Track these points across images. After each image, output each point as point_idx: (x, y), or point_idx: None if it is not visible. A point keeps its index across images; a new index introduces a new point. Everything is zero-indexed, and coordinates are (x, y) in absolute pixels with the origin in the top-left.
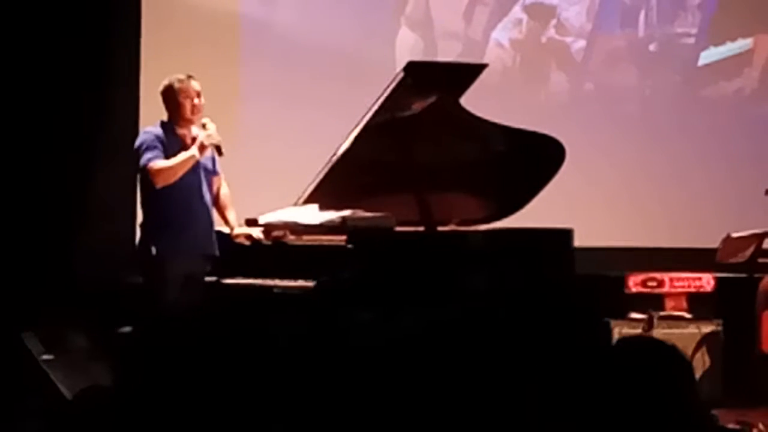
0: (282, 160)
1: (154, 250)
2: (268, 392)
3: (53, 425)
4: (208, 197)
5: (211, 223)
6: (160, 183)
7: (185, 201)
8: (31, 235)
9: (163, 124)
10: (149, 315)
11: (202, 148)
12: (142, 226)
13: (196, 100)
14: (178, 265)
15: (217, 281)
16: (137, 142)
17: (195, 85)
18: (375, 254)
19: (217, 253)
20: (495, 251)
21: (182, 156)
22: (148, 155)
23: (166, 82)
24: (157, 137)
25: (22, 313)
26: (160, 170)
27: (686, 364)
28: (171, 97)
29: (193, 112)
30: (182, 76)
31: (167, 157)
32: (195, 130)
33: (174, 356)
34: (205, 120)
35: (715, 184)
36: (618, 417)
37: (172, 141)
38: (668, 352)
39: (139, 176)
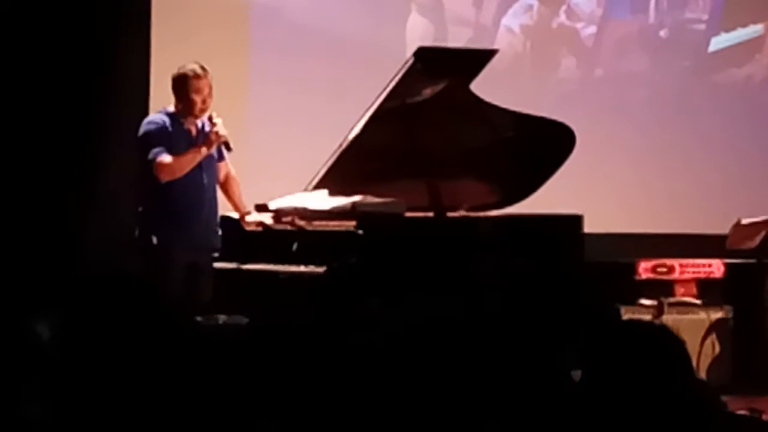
0: (292, 147)
1: (155, 240)
2: (273, 380)
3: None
4: (212, 188)
5: (214, 214)
6: (166, 179)
7: (188, 193)
8: (34, 222)
9: (169, 114)
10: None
11: (210, 145)
12: (142, 215)
13: (207, 99)
14: (179, 256)
15: (238, 268)
16: (141, 131)
17: (209, 81)
18: (385, 240)
19: (220, 244)
20: (505, 237)
21: (190, 153)
22: (155, 150)
23: (179, 70)
24: (163, 129)
25: (25, 299)
26: (167, 166)
27: (680, 345)
28: (182, 89)
29: (202, 110)
30: (199, 70)
31: (172, 149)
32: (200, 123)
33: (172, 344)
34: (212, 114)
35: (725, 170)
36: (619, 400)
37: (178, 132)
38: (661, 334)
39: (138, 163)
